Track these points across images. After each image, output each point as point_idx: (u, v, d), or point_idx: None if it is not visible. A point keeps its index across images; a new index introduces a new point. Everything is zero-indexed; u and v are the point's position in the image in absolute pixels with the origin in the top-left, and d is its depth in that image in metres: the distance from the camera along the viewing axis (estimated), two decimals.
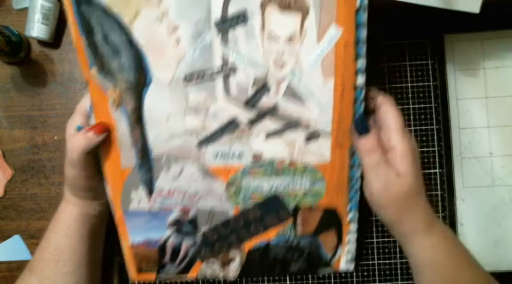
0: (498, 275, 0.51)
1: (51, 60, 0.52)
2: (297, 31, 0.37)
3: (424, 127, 0.51)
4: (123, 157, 0.42)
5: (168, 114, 0.40)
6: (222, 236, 0.45)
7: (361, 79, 0.39)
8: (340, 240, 0.46)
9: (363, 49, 0.38)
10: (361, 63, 0.38)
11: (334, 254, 0.47)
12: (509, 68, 0.51)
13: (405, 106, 0.51)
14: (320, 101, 0.40)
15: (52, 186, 0.46)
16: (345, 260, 0.47)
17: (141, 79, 0.39)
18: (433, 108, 0.51)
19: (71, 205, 0.44)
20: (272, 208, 0.45)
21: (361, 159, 0.40)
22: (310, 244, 0.46)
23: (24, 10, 0.51)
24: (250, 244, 0.46)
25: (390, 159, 0.38)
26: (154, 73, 0.39)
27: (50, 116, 0.52)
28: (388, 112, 0.39)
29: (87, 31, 0.37)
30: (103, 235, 0.48)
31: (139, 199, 0.44)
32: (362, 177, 0.43)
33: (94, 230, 0.46)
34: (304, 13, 0.37)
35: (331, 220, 0.45)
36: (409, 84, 0.51)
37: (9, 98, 0.52)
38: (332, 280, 0.51)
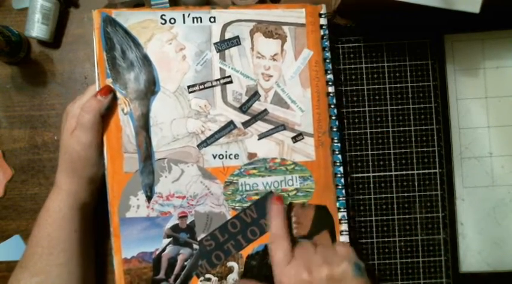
0: (498, 275, 0.51)
1: (51, 60, 0.52)
2: (279, 51, 0.48)
3: (424, 127, 0.51)
4: (126, 161, 0.45)
5: (172, 118, 0.46)
6: (220, 243, 0.46)
7: (331, 88, 0.48)
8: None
9: (330, 65, 0.48)
10: (330, 75, 0.48)
11: None
12: (509, 68, 0.51)
13: (405, 106, 0.51)
14: (301, 107, 0.48)
15: (52, 186, 0.46)
16: None
17: (150, 89, 0.46)
18: (433, 108, 0.51)
19: (64, 193, 0.44)
20: (267, 207, 0.46)
21: None
22: None
23: (24, 10, 0.51)
24: (248, 250, 0.46)
25: None
26: (162, 84, 0.46)
27: (50, 116, 0.52)
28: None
29: (109, 47, 0.45)
30: (93, 227, 0.48)
31: (137, 205, 0.45)
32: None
33: (86, 220, 0.46)
34: (283, 39, 0.48)
35: (323, 219, 0.47)
36: (409, 84, 0.51)
37: (9, 98, 0.52)
38: None
